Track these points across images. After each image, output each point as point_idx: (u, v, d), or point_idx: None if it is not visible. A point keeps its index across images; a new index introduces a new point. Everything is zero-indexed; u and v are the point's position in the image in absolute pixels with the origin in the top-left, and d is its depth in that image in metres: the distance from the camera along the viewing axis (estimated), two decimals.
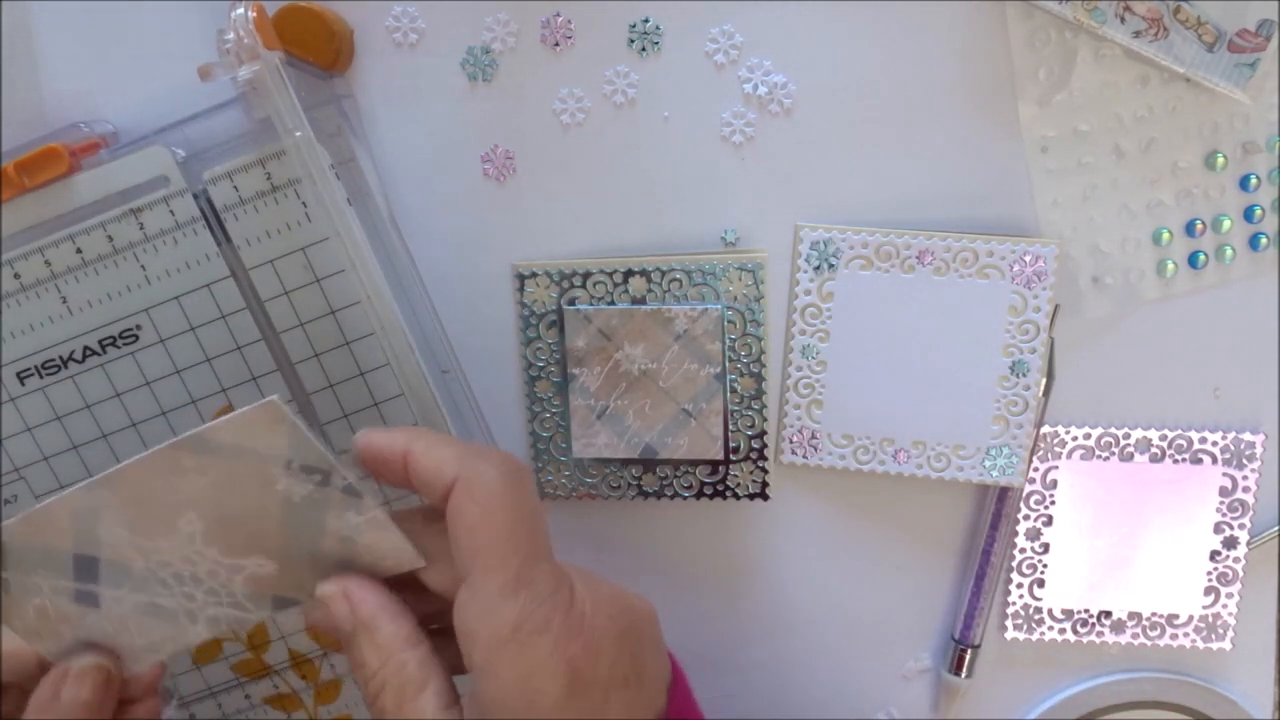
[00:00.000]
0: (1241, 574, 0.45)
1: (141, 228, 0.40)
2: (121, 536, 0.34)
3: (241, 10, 0.35)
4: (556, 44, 0.41)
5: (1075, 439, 0.44)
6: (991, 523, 0.45)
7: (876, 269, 0.42)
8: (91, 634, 0.35)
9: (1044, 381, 0.43)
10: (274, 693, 0.45)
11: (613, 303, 0.43)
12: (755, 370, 0.44)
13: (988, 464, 0.43)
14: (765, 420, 0.44)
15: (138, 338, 0.41)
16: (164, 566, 0.34)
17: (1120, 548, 0.45)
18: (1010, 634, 0.46)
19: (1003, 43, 0.41)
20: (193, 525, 0.34)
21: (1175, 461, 0.44)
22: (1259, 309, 0.43)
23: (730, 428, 0.44)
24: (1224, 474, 0.44)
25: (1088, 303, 0.43)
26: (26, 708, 0.34)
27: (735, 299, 0.43)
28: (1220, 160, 0.42)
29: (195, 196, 0.39)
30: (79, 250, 0.40)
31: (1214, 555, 0.45)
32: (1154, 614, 0.46)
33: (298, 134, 0.36)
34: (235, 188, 0.39)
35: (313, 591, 0.34)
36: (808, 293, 0.43)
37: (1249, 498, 0.44)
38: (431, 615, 0.33)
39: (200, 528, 0.34)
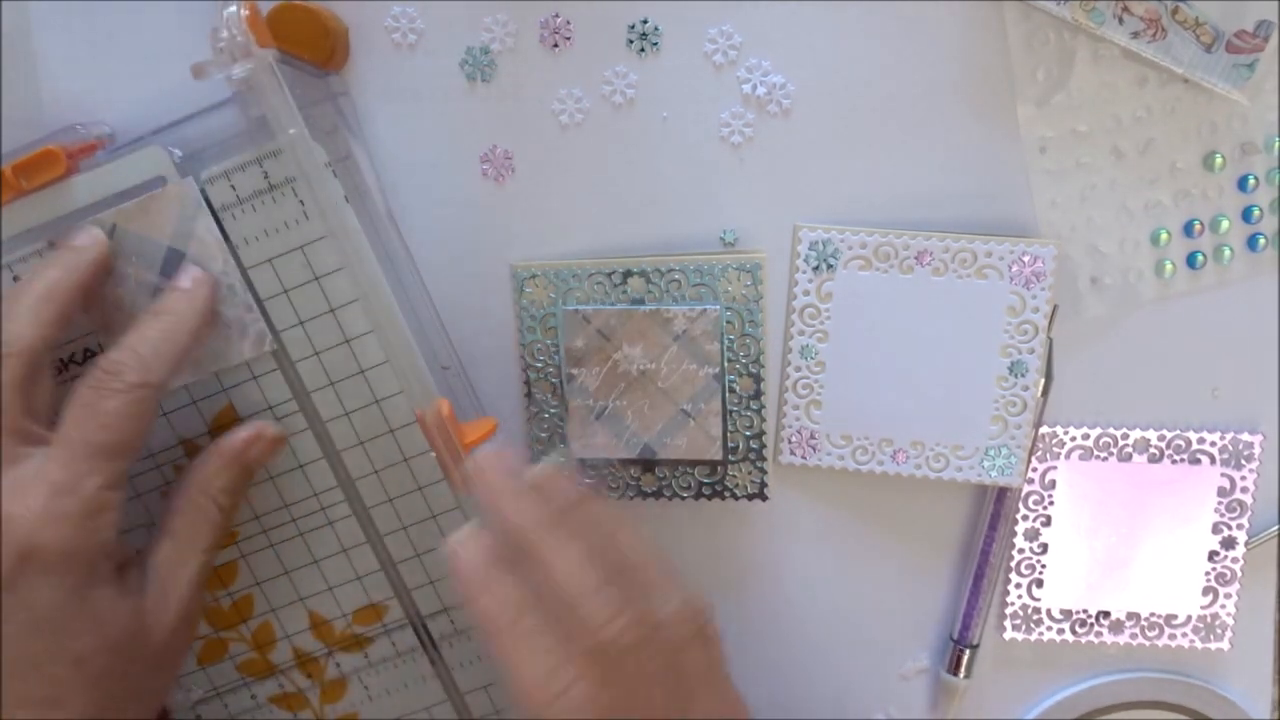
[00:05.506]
0: (1240, 574, 0.45)
1: None
2: (213, 232, 0.39)
3: (234, 8, 0.35)
4: (555, 44, 0.41)
5: (1074, 439, 0.44)
6: (990, 523, 0.45)
7: (875, 269, 0.42)
8: None
9: (1042, 382, 0.43)
10: (279, 692, 0.45)
11: (612, 303, 0.43)
12: (754, 371, 0.44)
13: (986, 464, 0.43)
14: (764, 421, 0.44)
15: None
16: (237, 269, 0.39)
17: (1119, 548, 0.45)
18: (1009, 634, 0.46)
19: (1001, 43, 0.41)
20: None
21: (1174, 462, 0.44)
22: (1257, 309, 0.43)
23: (729, 428, 0.44)
24: (1222, 474, 0.44)
25: (1086, 303, 0.43)
26: None
27: (734, 299, 0.43)
28: (1218, 161, 0.42)
29: None
30: None
31: (1212, 555, 0.45)
32: (1152, 614, 0.46)
33: (292, 131, 0.36)
34: (233, 187, 0.39)
35: None
36: (806, 293, 0.43)
37: (1247, 498, 0.44)
38: None
39: None
